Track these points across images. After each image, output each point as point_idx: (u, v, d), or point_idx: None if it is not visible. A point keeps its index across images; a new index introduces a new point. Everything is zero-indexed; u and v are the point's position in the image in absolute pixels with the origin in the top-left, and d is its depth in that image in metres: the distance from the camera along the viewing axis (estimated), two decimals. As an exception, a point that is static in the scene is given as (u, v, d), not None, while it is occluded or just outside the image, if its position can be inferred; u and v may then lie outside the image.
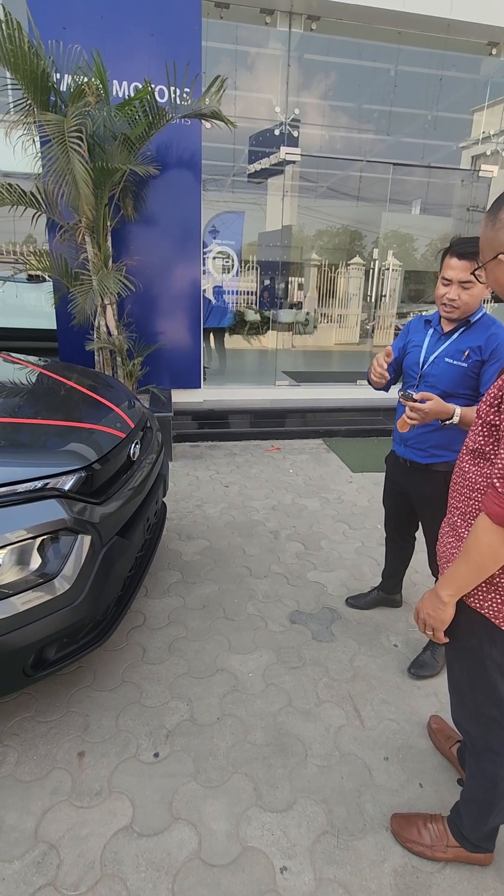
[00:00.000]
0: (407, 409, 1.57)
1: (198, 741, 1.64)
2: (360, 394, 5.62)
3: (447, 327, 1.73)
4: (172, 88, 3.92)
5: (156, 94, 3.56)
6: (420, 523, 2.01)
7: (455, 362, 1.66)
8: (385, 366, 1.72)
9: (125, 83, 4.07)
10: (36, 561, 1.43)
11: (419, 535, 2.08)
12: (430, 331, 1.78)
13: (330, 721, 1.74)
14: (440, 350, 1.72)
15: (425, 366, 1.75)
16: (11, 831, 1.36)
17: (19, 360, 2.48)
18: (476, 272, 1.09)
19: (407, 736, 1.70)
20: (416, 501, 1.93)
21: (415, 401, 1.54)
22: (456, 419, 1.55)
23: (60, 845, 1.33)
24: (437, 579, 1.95)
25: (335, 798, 1.48)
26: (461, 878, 1.29)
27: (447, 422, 1.57)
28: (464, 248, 1.55)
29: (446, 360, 1.68)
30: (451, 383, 1.67)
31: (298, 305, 9.88)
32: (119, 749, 1.61)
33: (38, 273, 4.92)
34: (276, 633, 2.17)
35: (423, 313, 2.12)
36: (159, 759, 1.58)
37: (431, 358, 1.74)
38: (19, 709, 1.75)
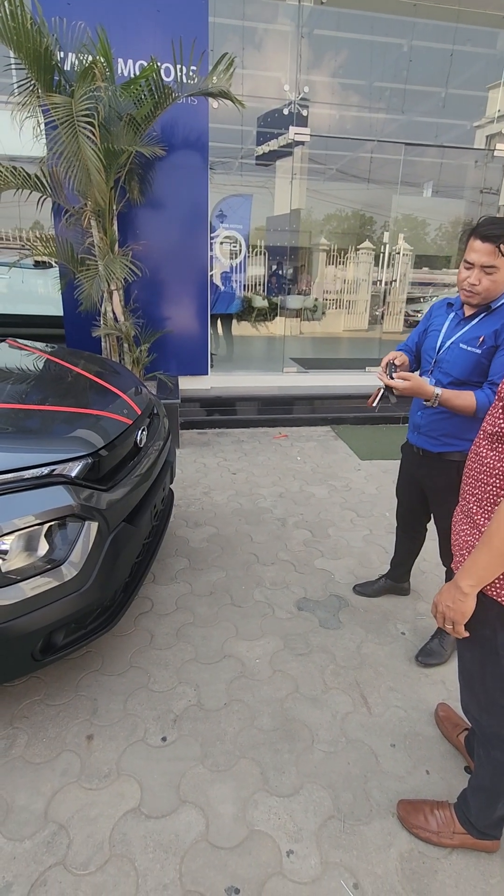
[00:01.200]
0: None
1: (205, 726, 1.66)
2: (369, 381, 5.56)
3: (468, 311, 1.66)
4: (179, 66, 3.83)
5: (161, 72, 3.47)
6: (432, 514, 1.97)
7: (469, 348, 1.60)
8: (384, 371, 1.71)
9: (130, 61, 3.98)
10: (43, 547, 1.43)
11: (430, 525, 2.06)
12: (451, 315, 1.72)
13: (337, 707, 1.74)
14: (457, 335, 1.66)
15: (441, 351, 1.70)
16: (22, 811, 1.38)
17: (26, 346, 2.47)
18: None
19: (414, 723, 1.70)
20: (428, 491, 1.90)
21: (392, 379, 1.61)
22: (435, 403, 1.60)
23: (70, 826, 1.35)
24: (447, 569, 1.94)
25: (341, 783, 1.48)
26: (467, 864, 1.29)
27: (427, 403, 1.62)
28: (488, 229, 1.46)
29: (461, 345, 1.63)
30: (465, 370, 1.61)
31: (306, 291, 9.76)
32: (127, 733, 1.62)
33: (45, 259, 4.89)
34: (284, 620, 2.18)
35: (437, 298, 2.08)
36: (167, 742, 1.59)
37: (448, 343, 1.68)
38: (29, 692, 1.77)
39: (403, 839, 1.34)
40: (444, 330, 1.72)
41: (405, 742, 1.63)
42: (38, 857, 1.28)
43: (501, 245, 1.45)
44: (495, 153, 5.69)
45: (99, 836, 1.33)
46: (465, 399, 1.57)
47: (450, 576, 1.95)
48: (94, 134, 3.16)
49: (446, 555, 1.93)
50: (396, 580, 2.32)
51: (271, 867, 1.27)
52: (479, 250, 1.49)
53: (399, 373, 1.63)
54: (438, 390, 1.59)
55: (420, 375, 1.77)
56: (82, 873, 1.24)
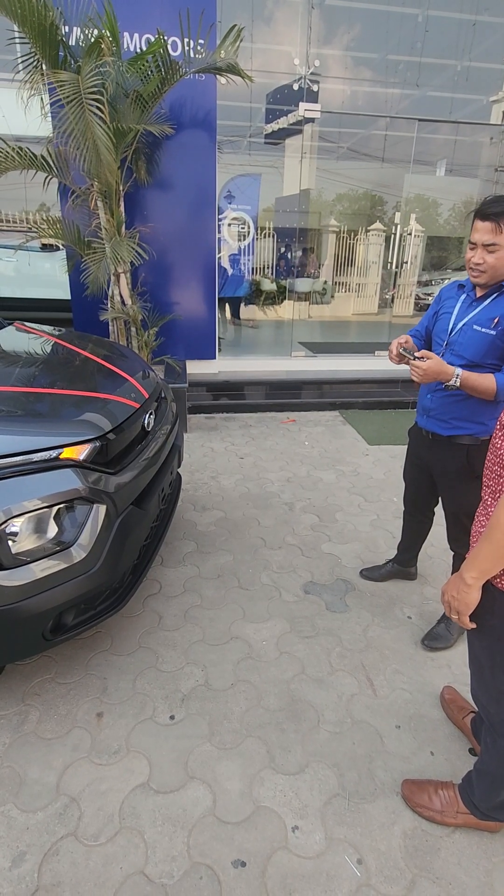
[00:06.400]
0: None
1: (212, 705, 1.68)
2: (378, 365, 5.50)
3: (480, 291, 1.64)
4: (186, 40, 3.72)
5: (168, 46, 3.38)
6: (440, 498, 1.96)
7: (483, 329, 1.57)
8: (396, 352, 1.69)
9: (136, 35, 3.88)
10: (52, 529, 1.44)
11: (438, 510, 2.05)
12: (463, 296, 1.69)
13: (342, 689, 1.76)
14: (470, 316, 1.63)
15: (453, 332, 1.67)
16: (34, 784, 1.42)
17: (34, 329, 2.47)
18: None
19: (419, 705, 1.71)
20: (437, 475, 1.88)
21: (415, 359, 1.57)
22: (456, 381, 1.56)
23: (81, 799, 1.39)
24: (454, 554, 1.94)
25: (347, 763, 1.51)
26: (470, 842, 1.32)
27: (448, 384, 1.58)
28: (489, 207, 1.47)
29: (474, 327, 1.60)
30: (478, 352, 1.59)
31: (315, 274, 9.62)
32: (136, 711, 1.65)
33: (51, 242, 4.85)
34: (290, 603, 2.19)
35: (448, 281, 2.05)
36: (175, 721, 1.62)
37: (460, 325, 1.65)
38: (40, 671, 1.80)
39: (407, 818, 1.37)
40: (455, 311, 1.69)
41: (410, 724, 1.64)
42: (51, 828, 1.32)
43: (501, 221, 1.44)
44: (512, 129, 5.51)
45: (109, 808, 1.36)
46: (486, 381, 1.54)
47: (458, 561, 1.95)
48: (102, 112, 3.10)
49: (454, 539, 1.93)
50: (403, 565, 2.32)
51: (277, 842, 1.30)
52: (480, 229, 1.50)
53: (421, 351, 1.60)
54: (458, 370, 1.56)
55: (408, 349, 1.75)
56: (93, 844, 1.28)
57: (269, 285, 8.09)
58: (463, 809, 1.32)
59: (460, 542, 1.90)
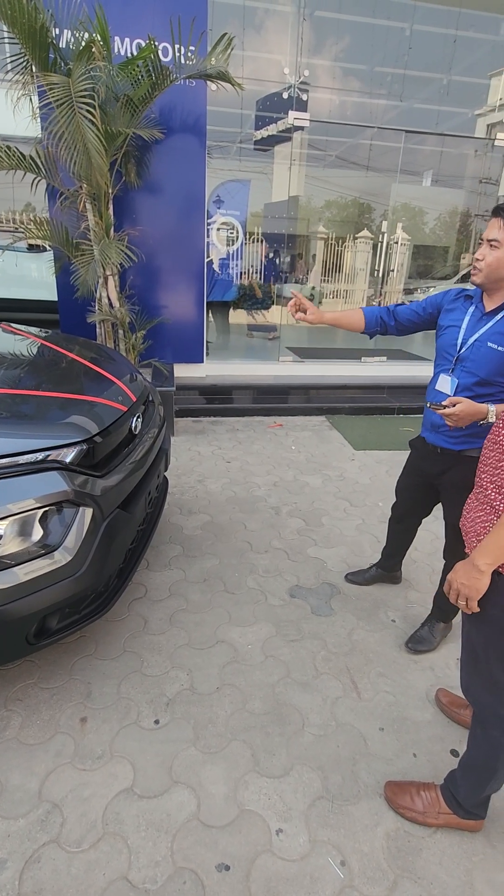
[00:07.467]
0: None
1: (197, 709, 1.68)
2: (364, 371, 5.56)
3: (490, 305, 1.57)
4: (177, 46, 3.74)
5: (159, 52, 3.40)
6: (443, 510, 1.89)
7: (499, 347, 1.52)
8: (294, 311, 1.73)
9: (127, 40, 3.89)
10: (38, 532, 1.43)
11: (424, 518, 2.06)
12: (472, 308, 1.63)
13: (327, 692, 1.77)
14: (481, 332, 1.57)
15: (464, 348, 1.61)
16: (16, 791, 1.40)
17: (20, 331, 2.45)
18: None
19: (403, 708, 1.73)
20: (444, 488, 1.82)
21: (444, 407, 1.50)
22: (492, 418, 1.49)
23: (63, 805, 1.37)
24: (446, 561, 1.95)
25: (331, 765, 1.52)
26: (451, 842, 1.33)
27: (482, 422, 1.52)
28: (502, 204, 1.44)
29: (489, 344, 1.54)
30: (493, 370, 1.53)
31: (304, 280, 9.69)
32: (120, 715, 1.64)
33: (39, 242, 4.82)
34: (276, 607, 2.20)
35: (437, 288, 2.06)
36: (160, 725, 1.62)
37: (471, 340, 1.59)
38: (23, 675, 1.78)
39: (390, 819, 1.38)
40: (464, 326, 1.63)
41: (393, 726, 1.66)
42: (32, 834, 1.30)
43: None
44: (496, 142, 5.65)
45: (92, 814, 1.35)
46: None
47: (448, 569, 1.95)
48: (93, 115, 3.09)
49: (451, 550, 1.89)
50: (388, 570, 2.34)
51: (261, 845, 1.30)
52: (490, 226, 1.46)
53: (448, 398, 1.53)
54: (492, 406, 1.49)
55: (437, 374, 1.72)
56: (75, 850, 1.27)
57: (257, 290, 8.12)
58: (444, 810, 1.34)
59: (458, 554, 1.85)
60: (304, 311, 1.80)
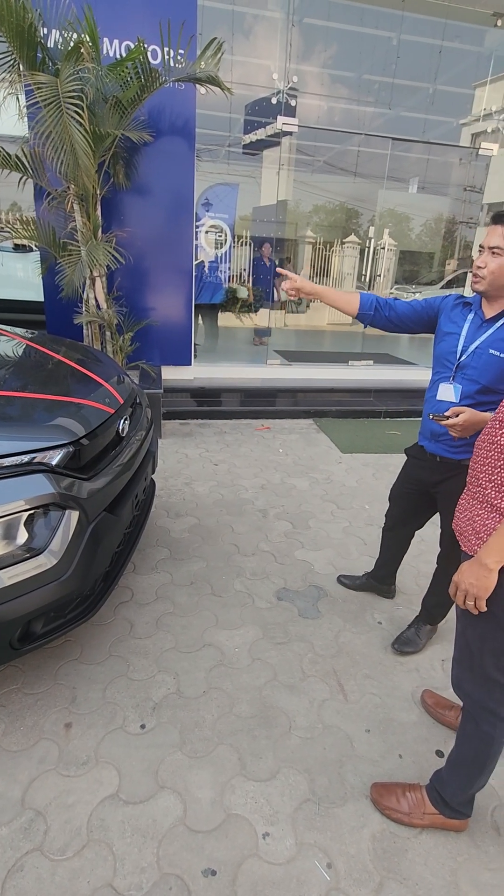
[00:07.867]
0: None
1: (184, 713, 1.67)
2: (352, 374, 5.60)
3: (489, 312, 1.56)
4: (166, 49, 3.75)
5: (148, 54, 3.40)
6: (441, 518, 1.87)
7: (501, 354, 1.51)
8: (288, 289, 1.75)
9: (116, 41, 3.88)
10: (23, 535, 1.41)
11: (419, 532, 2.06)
12: (471, 315, 1.61)
13: (314, 695, 1.78)
14: (482, 339, 1.56)
15: (464, 356, 1.60)
16: (-1, 799, 1.38)
17: (5, 331, 2.42)
18: None
19: (389, 710, 1.74)
20: (442, 496, 1.80)
21: (447, 418, 1.48)
22: None
23: (47, 812, 1.35)
24: (438, 568, 1.95)
25: (317, 768, 1.52)
26: (436, 843, 1.34)
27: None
28: (502, 210, 1.44)
29: (490, 351, 1.53)
30: (495, 377, 1.53)
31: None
32: (106, 720, 1.63)
33: (25, 242, 4.77)
34: (263, 610, 2.20)
35: (421, 295, 2.08)
36: (146, 730, 1.60)
37: (472, 347, 1.58)
38: (6, 681, 1.75)
39: (376, 820, 1.39)
40: (464, 333, 1.62)
41: (379, 727, 1.67)
42: (15, 843, 1.28)
43: None
44: (480, 151, 5.75)
45: (77, 821, 1.33)
46: None
47: (440, 573, 1.96)
48: (81, 116, 3.08)
49: (446, 556, 1.90)
50: (380, 581, 2.31)
51: (247, 849, 1.30)
52: (490, 233, 1.46)
53: (451, 409, 1.50)
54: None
55: (435, 383, 1.70)
56: (59, 858, 1.25)
57: (244, 293, 8.14)
58: (430, 810, 1.35)
59: (453, 561, 1.84)
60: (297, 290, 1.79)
